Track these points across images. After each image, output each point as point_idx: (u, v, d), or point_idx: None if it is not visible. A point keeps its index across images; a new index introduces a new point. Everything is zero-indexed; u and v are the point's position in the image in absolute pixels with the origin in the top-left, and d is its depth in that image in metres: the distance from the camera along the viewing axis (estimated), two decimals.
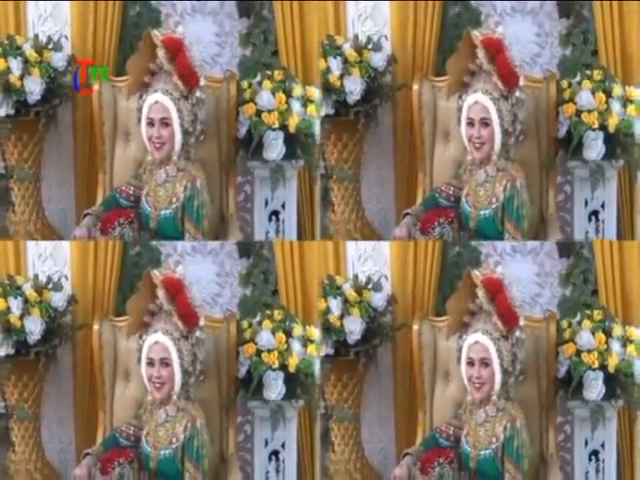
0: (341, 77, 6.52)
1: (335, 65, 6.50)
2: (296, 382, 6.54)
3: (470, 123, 6.46)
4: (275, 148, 6.59)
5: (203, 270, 6.68)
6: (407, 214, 6.52)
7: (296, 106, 6.56)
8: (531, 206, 6.42)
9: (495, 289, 6.28)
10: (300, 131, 6.54)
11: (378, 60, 6.64)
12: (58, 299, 6.64)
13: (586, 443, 6.76)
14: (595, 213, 6.61)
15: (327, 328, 6.51)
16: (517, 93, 6.37)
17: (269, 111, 6.55)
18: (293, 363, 6.47)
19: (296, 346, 6.52)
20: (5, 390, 6.76)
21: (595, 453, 6.74)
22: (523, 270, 6.64)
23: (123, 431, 6.51)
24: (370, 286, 6.65)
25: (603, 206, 6.61)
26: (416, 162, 6.73)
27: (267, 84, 6.57)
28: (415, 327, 6.59)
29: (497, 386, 6.31)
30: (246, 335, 6.59)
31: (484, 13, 6.67)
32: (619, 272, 6.60)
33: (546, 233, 6.52)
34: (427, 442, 6.53)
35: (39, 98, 6.60)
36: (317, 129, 6.55)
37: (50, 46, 6.68)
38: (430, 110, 6.61)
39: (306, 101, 6.58)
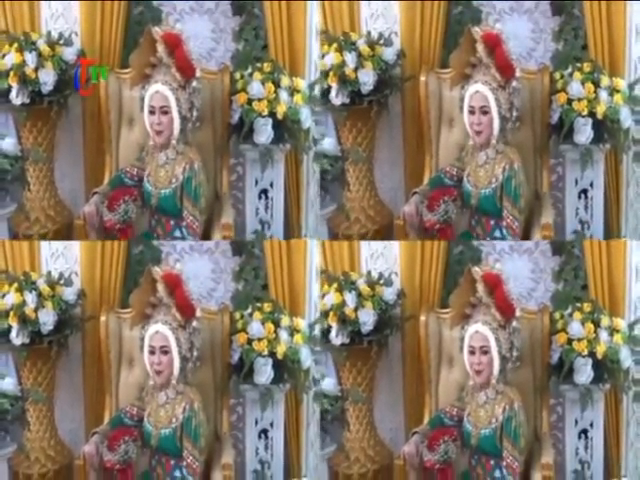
0: (355, 70, 5.69)
1: (350, 59, 5.66)
2: (283, 368, 5.64)
3: (471, 111, 5.51)
4: (264, 133, 5.70)
5: (200, 267, 5.81)
6: (415, 192, 5.62)
7: (283, 95, 5.69)
8: (527, 185, 5.58)
9: (494, 284, 5.35)
10: (287, 118, 5.67)
11: (389, 54, 5.77)
12: (69, 293, 5.71)
13: (576, 422, 5.72)
14: (584, 191, 5.78)
15: (343, 320, 5.61)
16: (514, 83, 5.47)
17: (259, 100, 5.69)
18: (281, 351, 5.57)
19: (283, 335, 5.60)
20: (21, 375, 5.80)
21: (584, 432, 5.71)
22: (519, 267, 5.74)
23: (127, 411, 5.54)
24: (382, 282, 5.70)
25: (592, 185, 5.77)
26: (423, 146, 5.76)
27: (257, 75, 5.71)
28: (422, 318, 5.65)
29: (496, 371, 5.35)
30: (238, 325, 5.65)
31: (484, 12, 5.77)
32: (606, 269, 5.68)
33: (541, 210, 5.64)
34: (433, 422, 5.54)
35: (52, 88, 5.72)
36: (303, 116, 5.70)
37: (61, 42, 5.74)
38: (436, 99, 5.73)
39: (293, 91, 5.73)
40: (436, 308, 5.71)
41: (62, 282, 5.70)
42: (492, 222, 5.59)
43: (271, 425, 5.79)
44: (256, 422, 5.78)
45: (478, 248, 5.75)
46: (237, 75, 5.75)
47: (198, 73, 5.56)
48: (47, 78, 5.69)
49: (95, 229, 5.59)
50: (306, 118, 5.73)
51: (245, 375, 5.65)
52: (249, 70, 5.76)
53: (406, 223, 5.60)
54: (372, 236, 5.87)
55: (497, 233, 5.61)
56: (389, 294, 5.71)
